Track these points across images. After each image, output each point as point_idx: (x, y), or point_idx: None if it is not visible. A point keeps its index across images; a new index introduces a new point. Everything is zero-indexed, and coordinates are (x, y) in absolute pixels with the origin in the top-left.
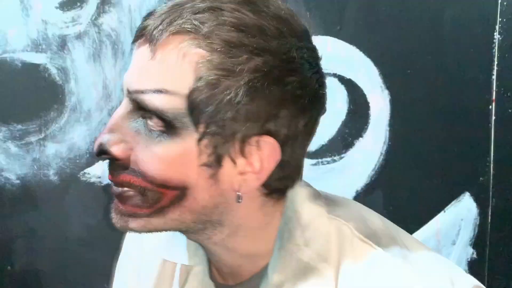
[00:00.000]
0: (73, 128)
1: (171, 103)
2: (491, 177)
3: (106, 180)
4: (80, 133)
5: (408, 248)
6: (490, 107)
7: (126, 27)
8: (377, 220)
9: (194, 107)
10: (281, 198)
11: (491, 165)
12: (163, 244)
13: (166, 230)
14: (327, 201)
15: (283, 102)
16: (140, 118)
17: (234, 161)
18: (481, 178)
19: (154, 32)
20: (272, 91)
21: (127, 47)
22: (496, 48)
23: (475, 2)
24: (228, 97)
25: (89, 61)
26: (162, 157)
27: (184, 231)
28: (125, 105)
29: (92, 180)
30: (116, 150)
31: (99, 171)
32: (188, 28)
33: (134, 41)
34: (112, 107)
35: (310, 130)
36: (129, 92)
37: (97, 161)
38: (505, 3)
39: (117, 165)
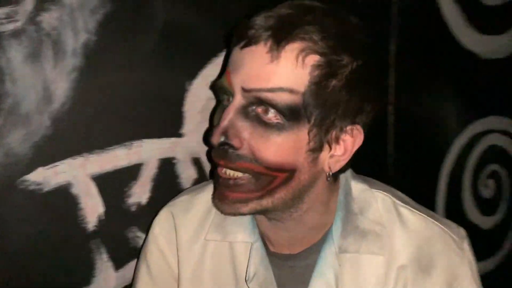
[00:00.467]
0: (9, 132)
1: (292, 100)
2: (392, 170)
3: (47, 187)
4: (18, 137)
5: (427, 210)
6: (390, 108)
7: (67, 26)
8: (400, 192)
9: (308, 103)
10: (338, 178)
11: (391, 160)
12: (211, 228)
13: (269, 210)
14: (363, 179)
15: (368, 98)
16: (254, 112)
17: (330, 146)
18: (383, 171)
19: (274, 40)
20: (363, 88)
21: (69, 47)
22: (391, 56)
23: (370, 16)
24: (333, 94)
25: (27, 61)
26: (280, 145)
27: (275, 210)
28: (237, 102)
29: (32, 187)
30: (236, 141)
31: (39, 178)
32: (303, 37)
33: (243, 47)
34: (53, 110)
35: (370, 123)
36: (245, 91)
37: (37, 166)
38: (398, 18)
39: (235, 154)
